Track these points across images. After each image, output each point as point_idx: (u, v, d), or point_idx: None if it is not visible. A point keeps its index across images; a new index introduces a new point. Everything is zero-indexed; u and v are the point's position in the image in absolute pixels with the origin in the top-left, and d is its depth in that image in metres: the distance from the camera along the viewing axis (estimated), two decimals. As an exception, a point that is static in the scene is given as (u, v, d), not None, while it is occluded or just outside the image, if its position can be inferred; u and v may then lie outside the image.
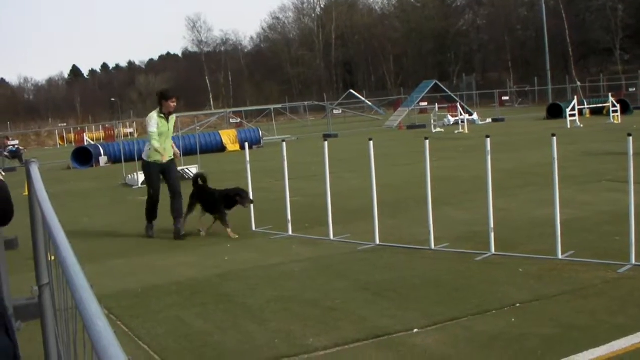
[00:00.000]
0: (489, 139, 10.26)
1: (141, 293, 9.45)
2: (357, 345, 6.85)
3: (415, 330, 7.13)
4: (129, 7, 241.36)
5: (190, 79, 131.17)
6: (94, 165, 35.04)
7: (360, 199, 15.07)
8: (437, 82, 61.02)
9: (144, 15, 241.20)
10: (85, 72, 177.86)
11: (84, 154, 36.00)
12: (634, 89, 64.78)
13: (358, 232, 12.37)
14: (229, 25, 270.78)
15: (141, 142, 35.02)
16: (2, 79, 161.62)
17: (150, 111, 13.91)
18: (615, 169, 17.38)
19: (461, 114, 44.20)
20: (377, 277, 9.43)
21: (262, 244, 12.25)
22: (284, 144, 13.25)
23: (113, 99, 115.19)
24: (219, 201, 13.15)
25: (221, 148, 37.13)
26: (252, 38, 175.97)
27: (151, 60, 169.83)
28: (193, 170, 23.92)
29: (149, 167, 13.68)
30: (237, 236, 12.82)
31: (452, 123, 47.40)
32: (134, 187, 22.72)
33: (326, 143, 12.43)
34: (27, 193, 5.02)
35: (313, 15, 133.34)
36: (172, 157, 13.86)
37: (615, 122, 38.74)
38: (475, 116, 50.20)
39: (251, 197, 13.27)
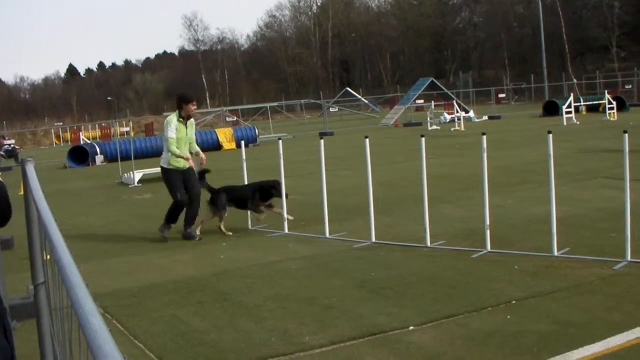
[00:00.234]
0: (485, 137, 10.27)
1: (138, 292, 9.45)
2: (353, 342, 6.86)
3: (411, 327, 7.14)
4: (125, 6, 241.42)
5: (186, 77, 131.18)
6: (90, 164, 35.00)
7: (356, 196, 15.06)
8: (434, 79, 61.18)
9: (141, 13, 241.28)
10: (82, 71, 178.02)
11: (80, 153, 35.98)
12: (630, 86, 64.91)
13: (354, 229, 12.38)
14: (226, 24, 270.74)
15: (137, 141, 35.15)
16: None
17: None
18: (612, 166, 17.39)
19: (457, 112, 44.25)
20: (373, 274, 9.43)
21: (259, 242, 12.25)
22: (280, 142, 13.26)
23: (109, 98, 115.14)
24: (254, 194, 13.14)
25: (217, 146, 37.08)
26: (248, 36, 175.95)
27: (147, 58, 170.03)
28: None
29: (169, 174, 13.08)
30: (290, 217, 12.97)
31: (448, 120, 47.41)
32: (130, 186, 22.71)
33: (322, 141, 12.45)
34: (22, 192, 5.03)
35: (309, 13, 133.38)
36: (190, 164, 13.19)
37: (612, 119, 38.76)
38: (471, 113, 50.19)
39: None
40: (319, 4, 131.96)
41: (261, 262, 10.64)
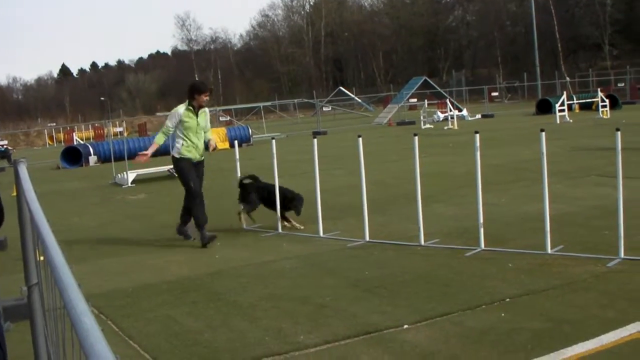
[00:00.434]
0: (478, 135, 10.28)
1: (132, 292, 9.44)
2: (347, 342, 6.86)
3: (406, 326, 7.15)
4: (118, 6, 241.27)
5: (179, 77, 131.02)
6: (84, 164, 34.98)
7: (350, 195, 15.08)
8: (427, 78, 61.11)
9: (134, 13, 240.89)
10: (75, 71, 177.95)
11: (73, 154, 35.95)
12: (623, 84, 65.03)
13: (348, 229, 12.39)
14: (219, 23, 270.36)
15: (130, 141, 35.11)
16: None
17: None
18: (605, 164, 17.42)
19: (450, 110, 44.23)
20: (367, 273, 9.44)
21: (253, 242, 12.25)
22: (274, 141, 13.25)
23: (102, 98, 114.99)
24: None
25: (211, 146, 36.97)
26: (241, 36, 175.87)
27: (141, 58, 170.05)
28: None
29: (180, 163, 12.38)
30: (302, 227, 12.93)
31: (441, 119, 47.45)
32: (123, 187, 22.70)
33: (315, 140, 12.45)
34: (15, 194, 5.02)
35: (302, 12, 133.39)
36: (203, 157, 12.71)
37: (604, 117, 38.80)
38: (464, 112, 50.23)
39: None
40: (311, 3, 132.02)
41: (255, 262, 10.64)
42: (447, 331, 6.93)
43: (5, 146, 45.37)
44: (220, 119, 62.66)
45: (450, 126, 40.94)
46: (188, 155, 12.31)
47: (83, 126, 74.91)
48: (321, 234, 12.12)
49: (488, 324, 7.03)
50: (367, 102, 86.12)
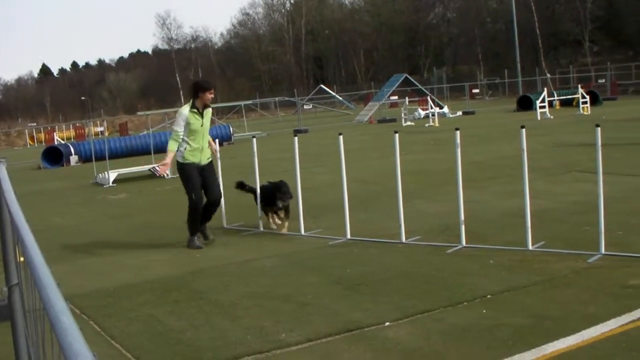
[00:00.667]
0: (458, 132, 10.30)
1: (113, 292, 9.42)
2: (329, 339, 6.87)
3: (387, 323, 7.16)
4: (98, 5, 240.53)
5: (160, 76, 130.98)
6: (65, 164, 34.83)
7: (331, 193, 15.07)
8: (408, 75, 61.11)
9: (114, 12, 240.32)
10: (55, 71, 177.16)
11: (54, 154, 35.81)
12: (603, 80, 65.28)
13: (329, 226, 12.40)
14: (199, 22, 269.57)
15: (112, 141, 35.02)
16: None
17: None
18: (585, 160, 17.46)
19: (431, 107, 44.26)
20: (349, 271, 9.45)
21: (234, 240, 12.24)
22: (255, 140, 13.24)
23: (83, 98, 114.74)
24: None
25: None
26: (222, 34, 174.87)
27: (121, 58, 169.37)
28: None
29: (185, 169, 11.77)
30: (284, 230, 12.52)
31: (422, 116, 47.54)
32: (104, 186, 22.64)
33: (296, 139, 12.45)
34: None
35: (283, 10, 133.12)
36: (210, 158, 12.15)
37: (585, 113, 38.93)
38: (445, 109, 50.33)
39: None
40: (292, 1, 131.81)
41: (237, 261, 10.64)
42: (428, 328, 6.95)
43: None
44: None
45: (431, 123, 40.97)
46: (192, 159, 11.77)
47: (64, 126, 74.51)
48: (303, 232, 12.13)
49: (469, 320, 7.05)
50: (348, 100, 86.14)
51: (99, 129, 69.96)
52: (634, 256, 8.90)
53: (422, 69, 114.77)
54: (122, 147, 34.97)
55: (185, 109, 11.79)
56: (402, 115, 44.75)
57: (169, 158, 11.94)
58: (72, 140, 55.25)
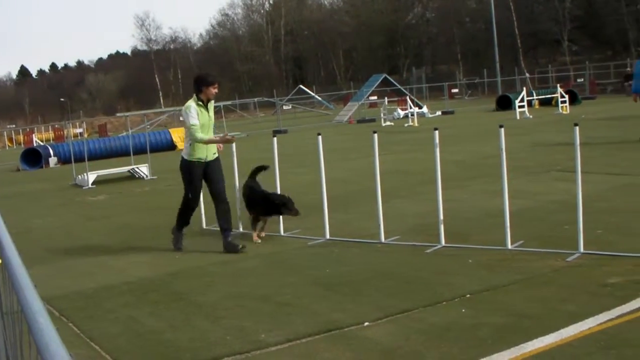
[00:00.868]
0: (437, 132, 10.31)
1: (93, 293, 9.39)
2: (308, 339, 6.87)
3: (367, 323, 7.16)
4: (77, 6, 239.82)
5: (139, 77, 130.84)
6: (44, 166, 34.68)
7: (311, 194, 15.04)
8: (387, 75, 61.30)
9: (93, 13, 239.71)
10: (34, 72, 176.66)
11: (33, 155, 35.64)
12: (582, 80, 65.71)
13: (309, 227, 12.38)
14: (178, 23, 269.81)
15: (91, 142, 34.90)
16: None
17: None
18: (565, 159, 17.52)
19: (411, 107, 44.37)
20: (328, 271, 9.45)
21: (214, 241, 12.17)
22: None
23: (62, 99, 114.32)
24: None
25: (171, 146, 36.80)
26: (201, 35, 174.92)
27: (100, 59, 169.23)
28: (143, 169, 23.81)
29: (190, 167, 11.44)
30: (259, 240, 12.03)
31: (402, 116, 47.66)
32: (84, 188, 22.55)
33: (275, 139, 12.44)
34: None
35: (262, 11, 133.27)
36: (216, 153, 11.80)
37: (564, 112, 39.11)
38: (424, 109, 50.48)
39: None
40: (271, 2, 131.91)
41: (216, 261, 10.62)
42: (408, 327, 6.95)
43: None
44: (181, 118, 62.36)
45: (410, 123, 41.07)
46: (199, 155, 11.41)
47: (43, 127, 74.32)
48: (282, 232, 12.13)
49: (449, 319, 7.06)
50: (328, 100, 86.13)
51: (78, 130, 69.83)
52: (613, 255, 8.93)
53: (402, 68, 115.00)
54: (101, 149, 34.86)
55: (193, 103, 11.36)
56: (382, 115, 44.82)
57: (221, 138, 12.03)
58: (51, 141, 55.11)
